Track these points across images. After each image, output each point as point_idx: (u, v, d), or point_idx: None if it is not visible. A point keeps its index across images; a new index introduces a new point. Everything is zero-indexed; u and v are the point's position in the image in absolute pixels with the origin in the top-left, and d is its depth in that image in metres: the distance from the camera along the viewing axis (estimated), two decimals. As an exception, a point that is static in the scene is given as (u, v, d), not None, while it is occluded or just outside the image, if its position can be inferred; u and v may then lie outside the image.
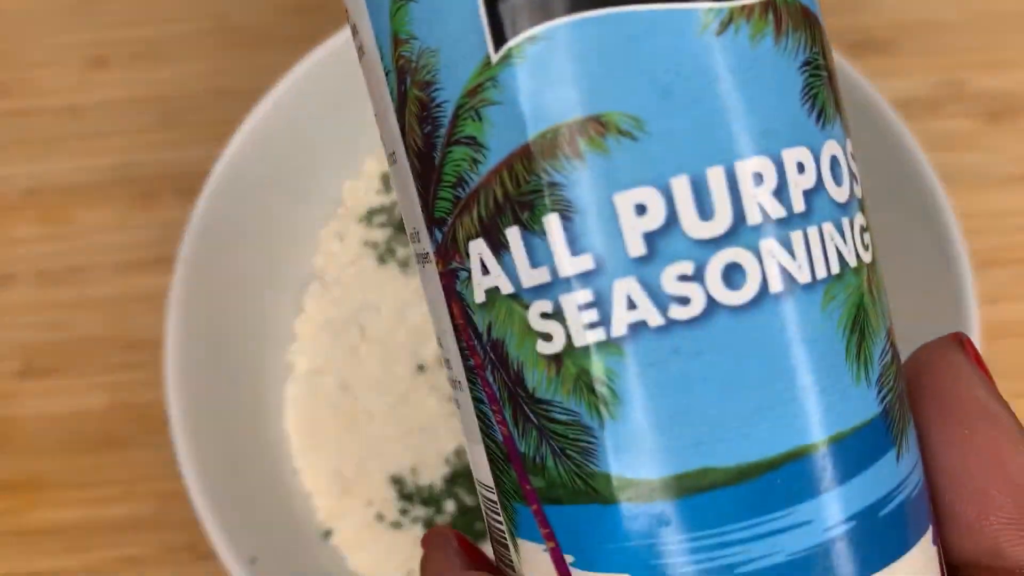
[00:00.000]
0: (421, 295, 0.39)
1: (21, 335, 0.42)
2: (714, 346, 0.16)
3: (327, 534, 0.37)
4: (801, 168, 0.16)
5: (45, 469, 0.40)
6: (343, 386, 0.38)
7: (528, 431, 0.17)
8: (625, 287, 0.16)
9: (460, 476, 0.37)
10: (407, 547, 0.37)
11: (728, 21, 0.16)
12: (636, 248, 0.16)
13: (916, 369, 0.19)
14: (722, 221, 0.16)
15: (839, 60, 0.36)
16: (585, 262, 0.16)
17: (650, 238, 0.16)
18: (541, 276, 0.16)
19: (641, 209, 0.16)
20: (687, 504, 0.16)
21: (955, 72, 0.43)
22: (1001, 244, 0.41)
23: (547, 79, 0.16)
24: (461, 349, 0.17)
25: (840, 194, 0.17)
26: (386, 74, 0.17)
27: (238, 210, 0.37)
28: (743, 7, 0.16)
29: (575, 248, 0.16)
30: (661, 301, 0.16)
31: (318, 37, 0.37)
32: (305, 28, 0.44)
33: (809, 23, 0.17)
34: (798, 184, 0.16)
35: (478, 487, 0.19)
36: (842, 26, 0.43)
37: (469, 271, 0.17)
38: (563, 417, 0.16)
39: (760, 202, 0.16)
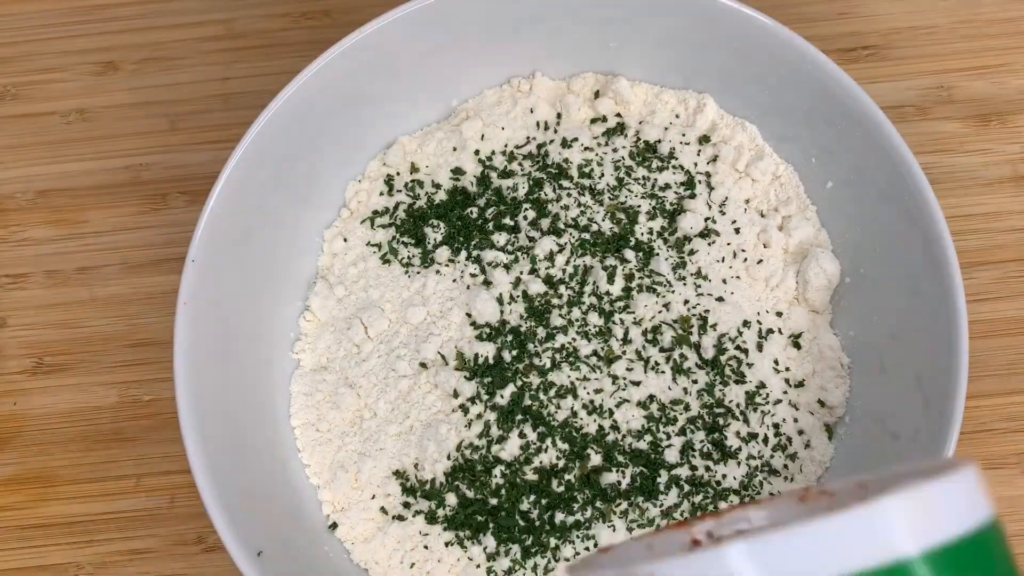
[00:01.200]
0: (423, 295, 0.39)
1: (33, 333, 0.42)
2: None
3: (332, 527, 0.37)
4: None
5: (56, 464, 0.41)
6: (347, 383, 0.38)
7: None
8: None
9: (461, 470, 0.37)
10: (410, 539, 0.37)
11: None
12: None
13: None
14: None
15: (832, 66, 0.36)
16: None
17: None
18: None
19: None
20: None
21: (944, 76, 0.43)
22: (989, 244, 0.42)
23: None
24: None
25: None
26: None
27: (245, 211, 0.37)
28: None
29: None
30: None
31: (324, 42, 0.37)
32: (311, 33, 0.45)
33: None
34: None
35: None
36: (834, 33, 0.44)
37: None
38: None
39: None
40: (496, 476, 0.37)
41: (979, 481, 0.20)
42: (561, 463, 0.37)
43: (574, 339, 0.38)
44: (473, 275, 0.39)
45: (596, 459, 0.37)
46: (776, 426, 0.37)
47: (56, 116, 0.45)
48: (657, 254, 0.39)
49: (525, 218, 0.39)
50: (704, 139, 0.40)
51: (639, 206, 0.39)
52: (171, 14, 0.45)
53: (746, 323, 0.38)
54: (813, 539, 0.18)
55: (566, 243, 0.39)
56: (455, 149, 0.40)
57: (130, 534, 0.40)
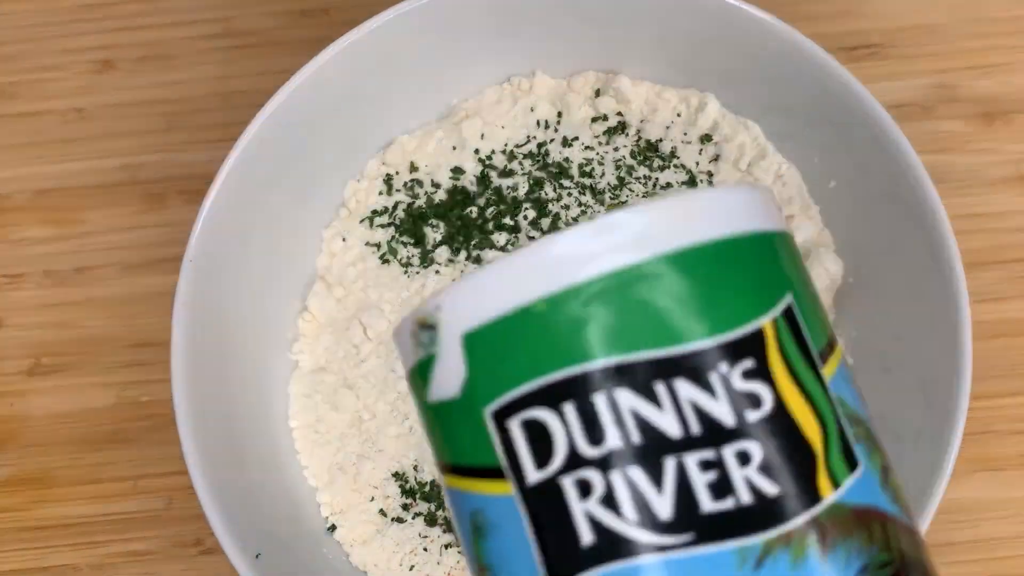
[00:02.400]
0: (422, 295, 0.39)
1: (30, 334, 0.42)
2: None
3: (331, 529, 0.37)
4: None
5: (53, 466, 0.41)
6: (346, 384, 0.38)
7: None
8: None
9: None
10: (409, 541, 0.37)
11: (765, 554, 0.18)
12: None
13: None
14: None
15: (834, 64, 0.36)
16: None
17: None
18: None
19: None
20: None
21: (948, 75, 0.43)
22: (993, 244, 0.42)
23: None
24: None
25: None
26: None
27: (243, 211, 0.37)
28: (780, 536, 0.18)
29: None
30: None
31: (322, 41, 0.37)
32: (310, 32, 0.45)
33: (868, 522, 0.19)
34: None
35: None
36: (837, 31, 0.44)
37: None
38: None
39: None
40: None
41: (761, 199, 0.21)
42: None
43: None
44: (473, 275, 0.39)
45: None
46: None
47: (53, 115, 0.44)
48: (658, 254, 0.39)
49: (525, 218, 0.39)
50: (706, 138, 0.40)
51: (640, 206, 0.39)
52: (168, 12, 0.45)
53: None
54: (571, 242, 0.19)
55: (567, 243, 0.39)
56: (455, 148, 0.40)
57: (128, 536, 0.40)
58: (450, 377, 0.19)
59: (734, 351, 0.19)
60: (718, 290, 0.19)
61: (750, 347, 0.19)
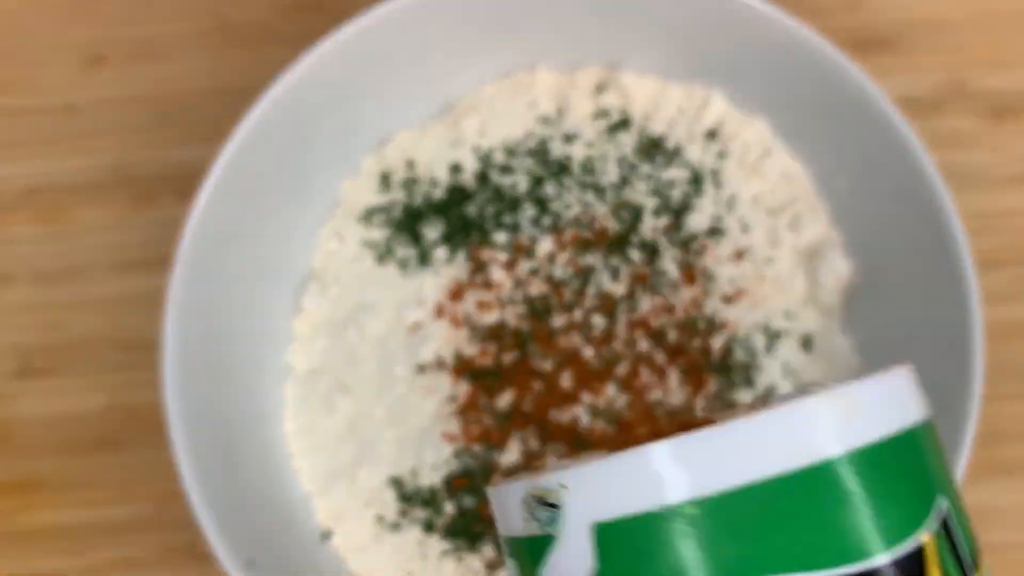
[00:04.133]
0: (419, 295, 0.38)
1: (18, 335, 0.42)
2: None
3: (326, 535, 0.37)
4: None
5: (43, 470, 0.40)
6: (342, 387, 0.38)
7: None
8: None
9: (459, 478, 0.37)
10: (407, 548, 0.37)
11: None
12: None
13: None
14: None
15: (843, 59, 0.36)
16: None
17: None
18: None
19: None
20: None
21: (959, 71, 0.43)
22: (1005, 244, 0.41)
23: None
24: None
25: None
26: None
27: (236, 209, 0.36)
28: None
29: None
30: None
31: (316, 36, 0.37)
32: (303, 27, 0.44)
33: None
34: None
35: None
36: (845, 24, 0.43)
37: None
38: None
39: None
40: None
41: (910, 383, 0.20)
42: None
43: (576, 341, 0.37)
44: (471, 275, 0.38)
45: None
46: (785, 431, 0.37)
47: (43, 111, 0.44)
48: (662, 253, 0.38)
49: (526, 216, 0.39)
50: (711, 134, 0.39)
51: (644, 204, 0.39)
52: (160, 6, 0.45)
53: (754, 325, 0.38)
54: (737, 438, 0.17)
55: (568, 242, 0.38)
56: (453, 145, 0.40)
57: (119, 541, 0.40)
58: (574, 566, 0.18)
59: (895, 573, 0.17)
60: (880, 500, 0.18)
61: (911, 567, 0.17)
